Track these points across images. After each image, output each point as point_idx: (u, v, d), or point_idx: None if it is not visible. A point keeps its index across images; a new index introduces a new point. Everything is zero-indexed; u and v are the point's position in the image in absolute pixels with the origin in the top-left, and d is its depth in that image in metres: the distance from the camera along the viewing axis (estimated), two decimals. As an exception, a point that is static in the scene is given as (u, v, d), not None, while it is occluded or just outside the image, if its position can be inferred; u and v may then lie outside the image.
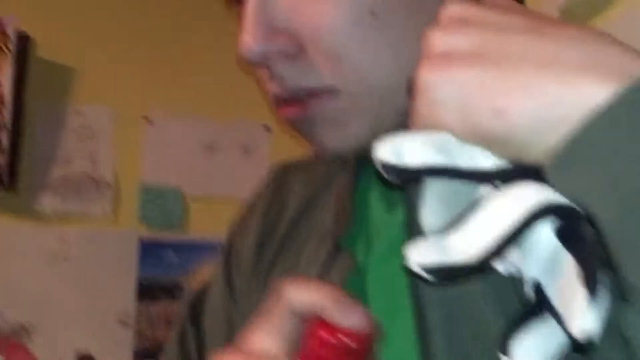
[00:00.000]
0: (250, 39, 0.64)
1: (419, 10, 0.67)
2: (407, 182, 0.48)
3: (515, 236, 0.42)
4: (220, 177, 2.13)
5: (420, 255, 0.44)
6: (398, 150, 0.46)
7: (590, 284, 0.40)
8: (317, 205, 0.81)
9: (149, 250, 2.09)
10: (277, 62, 0.66)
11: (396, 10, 0.66)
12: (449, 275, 0.44)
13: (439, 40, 0.48)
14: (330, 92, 0.65)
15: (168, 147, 2.16)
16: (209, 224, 2.00)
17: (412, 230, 0.62)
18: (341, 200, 0.76)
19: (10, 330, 1.97)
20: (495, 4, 0.50)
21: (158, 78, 2.16)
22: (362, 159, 0.70)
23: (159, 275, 2.09)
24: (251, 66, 0.67)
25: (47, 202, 2.07)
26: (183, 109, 2.17)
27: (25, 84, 2.08)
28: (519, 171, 0.44)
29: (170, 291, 2.07)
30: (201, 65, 2.17)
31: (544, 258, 0.44)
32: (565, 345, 0.44)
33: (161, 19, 2.18)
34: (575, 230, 0.42)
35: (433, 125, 0.47)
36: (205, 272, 1.90)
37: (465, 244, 0.44)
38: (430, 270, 0.44)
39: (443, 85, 0.46)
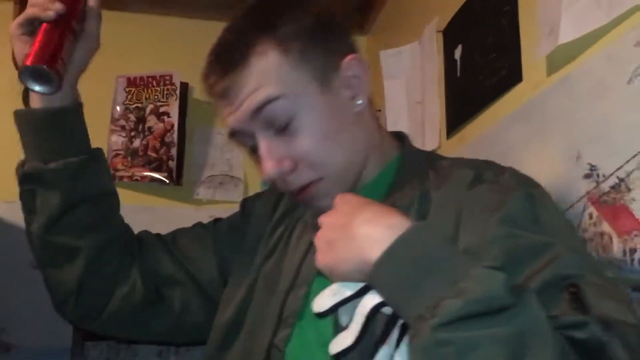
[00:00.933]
0: (268, 168, 0.78)
1: (358, 123, 0.82)
2: (330, 314, 0.63)
3: (368, 322, 0.60)
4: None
5: (336, 343, 0.61)
6: (318, 303, 0.63)
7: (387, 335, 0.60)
8: (300, 208, 0.93)
9: (268, 223, 2.10)
10: (285, 176, 0.79)
11: (336, 126, 0.79)
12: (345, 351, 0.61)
13: (318, 241, 0.67)
14: (317, 180, 0.80)
15: (279, 154, 2.16)
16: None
17: None
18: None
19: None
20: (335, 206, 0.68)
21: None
22: None
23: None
24: (271, 181, 0.81)
25: (202, 193, 2.10)
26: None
27: (186, 116, 2.11)
28: (368, 286, 0.62)
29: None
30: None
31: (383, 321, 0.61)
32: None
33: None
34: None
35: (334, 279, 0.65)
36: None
37: (350, 332, 0.61)
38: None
39: (326, 265, 0.65)
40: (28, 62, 0.85)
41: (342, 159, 0.81)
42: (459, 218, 0.71)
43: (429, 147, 1.56)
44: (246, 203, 1.02)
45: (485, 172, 0.77)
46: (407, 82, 1.78)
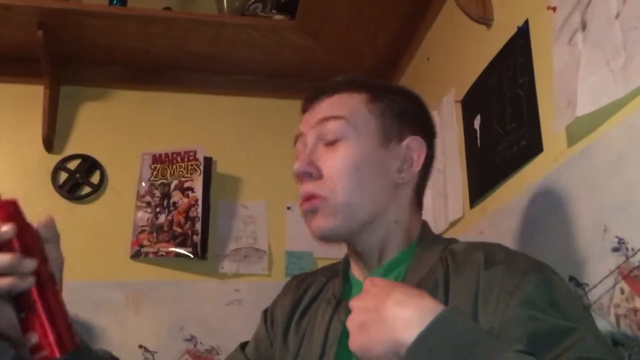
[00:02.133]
0: (298, 164, 0.87)
1: (392, 191, 0.88)
2: None
3: None
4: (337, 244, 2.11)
5: None
6: None
7: None
8: (323, 293, 0.97)
9: (293, 295, 2.08)
10: (305, 179, 0.87)
11: (369, 171, 0.85)
12: None
13: (350, 324, 0.69)
14: (322, 198, 0.85)
15: (302, 225, 2.16)
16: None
17: None
18: (336, 285, 0.94)
19: (204, 351, 1.98)
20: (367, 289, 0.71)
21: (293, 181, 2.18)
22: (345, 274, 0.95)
23: (300, 312, 2.07)
24: (295, 178, 0.88)
25: (227, 266, 2.10)
26: (311, 200, 2.18)
27: (210, 190, 2.13)
28: None
29: (308, 322, 2.04)
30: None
31: None
32: None
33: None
34: None
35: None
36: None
37: None
38: None
39: (359, 347, 0.66)
40: (48, 358, 0.68)
41: (355, 198, 0.85)
42: (477, 300, 0.73)
43: (452, 217, 1.55)
44: (266, 314, 1.06)
45: (497, 253, 0.79)
46: (428, 151, 1.78)
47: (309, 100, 0.93)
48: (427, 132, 0.95)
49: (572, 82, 1.04)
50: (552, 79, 1.13)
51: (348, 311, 0.75)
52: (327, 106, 0.89)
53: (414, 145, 0.90)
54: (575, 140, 1.05)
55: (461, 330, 0.60)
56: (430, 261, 0.84)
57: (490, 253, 0.79)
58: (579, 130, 1.04)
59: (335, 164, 0.86)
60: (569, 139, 1.07)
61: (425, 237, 0.91)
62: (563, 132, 1.09)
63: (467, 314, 0.72)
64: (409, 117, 0.92)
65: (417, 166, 0.90)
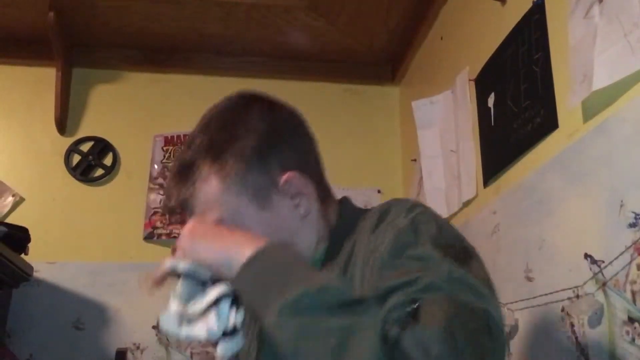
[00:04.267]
0: None
1: (305, 225, 0.83)
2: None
3: (211, 306, 0.72)
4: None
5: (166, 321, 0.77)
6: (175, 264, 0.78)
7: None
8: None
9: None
10: None
11: (286, 235, 0.81)
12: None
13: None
14: None
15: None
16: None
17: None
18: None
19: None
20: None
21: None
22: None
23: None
24: None
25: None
26: (323, 182, 2.16)
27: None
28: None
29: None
30: (337, 153, 2.17)
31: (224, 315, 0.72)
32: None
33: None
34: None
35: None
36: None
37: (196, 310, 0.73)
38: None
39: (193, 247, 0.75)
40: None
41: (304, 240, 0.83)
42: (367, 263, 0.73)
43: (466, 197, 1.54)
44: None
45: (368, 220, 0.78)
46: (441, 131, 1.77)
47: (175, 199, 0.84)
48: (289, 154, 0.85)
49: (588, 56, 1.02)
50: (567, 53, 1.11)
51: None
52: (197, 209, 0.82)
53: (288, 182, 0.82)
54: (591, 115, 1.04)
55: (286, 258, 0.67)
56: (343, 240, 0.82)
57: (381, 214, 0.76)
58: (595, 104, 1.02)
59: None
60: (585, 114, 1.06)
61: (339, 222, 0.86)
62: (579, 107, 1.07)
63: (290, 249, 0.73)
64: (265, 161, 0.83)
65: (309, 192, 0.83)
